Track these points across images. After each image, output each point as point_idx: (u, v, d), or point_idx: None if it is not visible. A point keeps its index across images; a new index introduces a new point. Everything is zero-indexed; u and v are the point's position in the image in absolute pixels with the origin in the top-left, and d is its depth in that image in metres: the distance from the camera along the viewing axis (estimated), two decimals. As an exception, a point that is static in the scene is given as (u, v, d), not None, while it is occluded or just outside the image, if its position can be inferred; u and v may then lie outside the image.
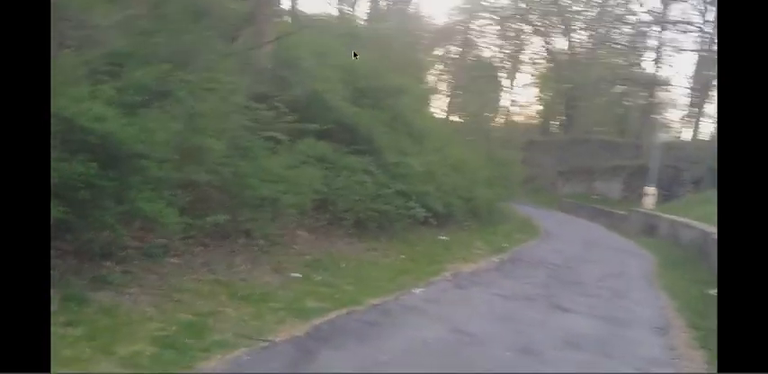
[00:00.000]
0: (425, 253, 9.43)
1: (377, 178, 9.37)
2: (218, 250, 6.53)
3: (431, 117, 15.01)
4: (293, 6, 16.33)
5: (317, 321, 5.03)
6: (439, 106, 43.61)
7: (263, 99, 8.46)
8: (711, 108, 41.43)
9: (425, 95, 20.30)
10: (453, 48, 45.77)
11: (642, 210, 21.23)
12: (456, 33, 43.98)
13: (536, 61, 46.71)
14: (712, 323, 7.19)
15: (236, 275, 6.04)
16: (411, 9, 34.45)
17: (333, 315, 5.27)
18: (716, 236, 12.19)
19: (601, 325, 6.21)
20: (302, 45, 10.36)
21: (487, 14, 42.52)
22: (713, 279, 11.02)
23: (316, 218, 8.65)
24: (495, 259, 10.17)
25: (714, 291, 10.23)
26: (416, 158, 10.73)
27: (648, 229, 18.85)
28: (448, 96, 47.31)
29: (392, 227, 9.55)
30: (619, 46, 41.55)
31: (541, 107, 48.99)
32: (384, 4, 29.84)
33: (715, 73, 34.74)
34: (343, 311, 5.42)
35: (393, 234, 9.61)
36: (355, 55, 11.78)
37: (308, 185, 7.49)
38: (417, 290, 6.75)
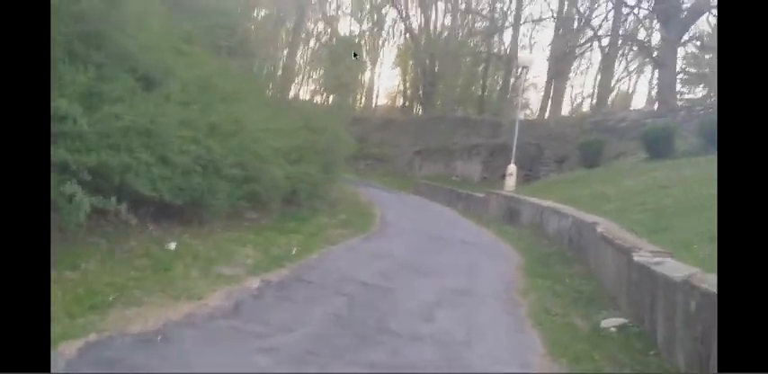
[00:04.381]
0: (90, 285, 4.75)
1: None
2: None
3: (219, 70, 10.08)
4: None
5: None
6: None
7: None
8: (570, 86, 40.40)
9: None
10: (310, 24, 41.51)
11: (502, 193, 17.95)
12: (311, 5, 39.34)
13: (395, 38, 43.80)
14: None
15: None
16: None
17: None
18: (594, 226, 8.84)
19: None
20: None
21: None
22: (600, 293, 7.28)
23: None
24: (255, 282, 5.72)
25: (610, 322, 6.54)
26: (121, 108, 6.00)
27: (510, 215, 15.51)
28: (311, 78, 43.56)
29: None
30: (477, 22, 39.39)
31: (402, 87, 46.11)
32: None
33: (574, 44, 33.00)
34: None
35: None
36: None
37: None
38: None
